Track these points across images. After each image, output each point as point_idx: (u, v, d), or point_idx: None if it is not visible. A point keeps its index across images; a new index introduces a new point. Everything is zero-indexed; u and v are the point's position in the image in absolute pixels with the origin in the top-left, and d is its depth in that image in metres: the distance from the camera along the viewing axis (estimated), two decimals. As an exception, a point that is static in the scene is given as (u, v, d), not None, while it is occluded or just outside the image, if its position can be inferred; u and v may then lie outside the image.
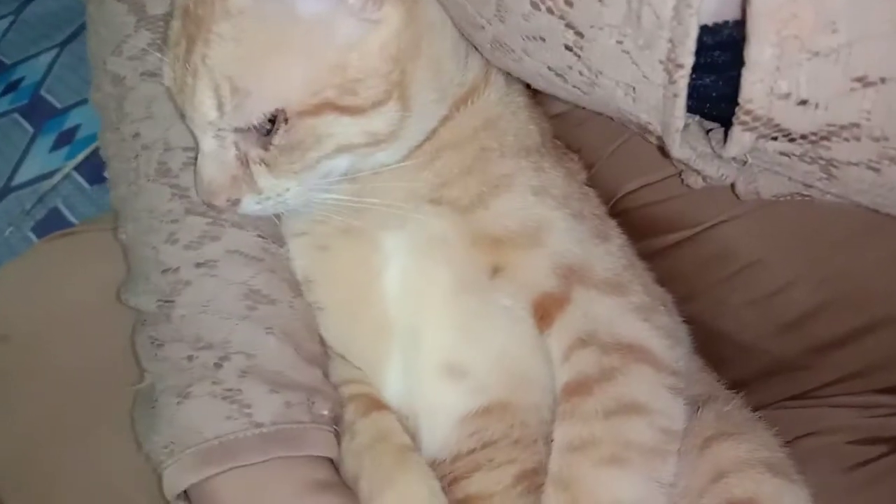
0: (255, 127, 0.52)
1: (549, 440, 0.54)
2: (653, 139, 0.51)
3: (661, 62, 0.42)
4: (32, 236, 1.65)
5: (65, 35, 2.01)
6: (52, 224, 1.66)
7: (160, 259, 0.57)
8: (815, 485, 0.54)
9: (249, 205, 0.54)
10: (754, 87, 0.39)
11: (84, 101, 1.93)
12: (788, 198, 0.53)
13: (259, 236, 0.58)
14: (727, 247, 0.65)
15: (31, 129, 1.89)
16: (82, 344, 0.66)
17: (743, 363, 0.69)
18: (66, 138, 1.82)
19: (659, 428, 0.52)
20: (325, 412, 0.55)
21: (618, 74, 0.45)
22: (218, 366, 0.53)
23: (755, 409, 0.66)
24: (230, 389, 0.52)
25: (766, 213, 0.60)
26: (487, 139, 0.57)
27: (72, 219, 1.66)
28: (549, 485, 0.51)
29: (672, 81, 0.42)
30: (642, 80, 0.44)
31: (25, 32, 2.10)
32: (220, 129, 0.53)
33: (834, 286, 0.62)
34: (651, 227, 0.66)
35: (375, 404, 0.57)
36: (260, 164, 0.53)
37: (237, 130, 0.52)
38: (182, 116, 0.56)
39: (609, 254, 0.57)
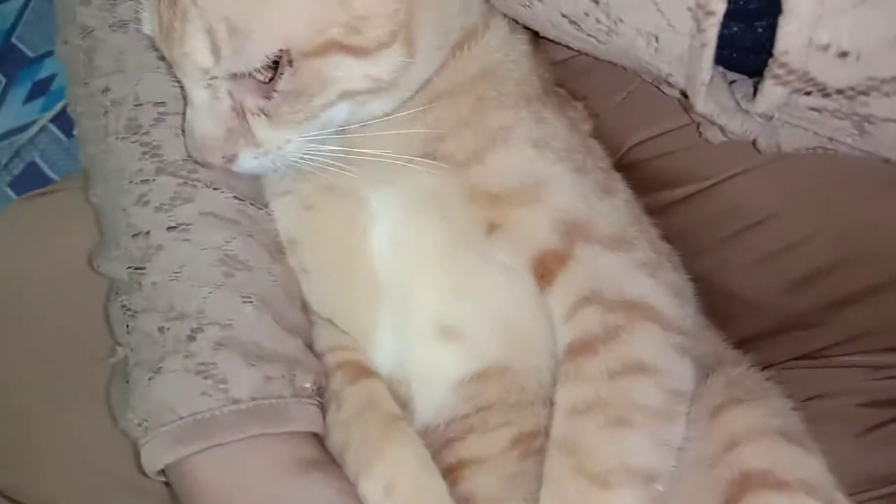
0: (254, 72, 0.48)
1: (547, 402, 0.52)
2: (671, 90, 0.48)
3: (689, 9, 0.39)
4: (10, 192, 1.61)
5: (35, -21, 1.94)
6: (30, 179, 1.62)
7: (131, 222, 0.53)
8: (824, 449, 0.52)
9: (247, 160, 0.51)
10: (791, 37, 0.36)
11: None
12: (810, 152, 0.51)
13: (235, 197, 0.54)
14: (739, 201, 0.63)
15: (2, 79, 1.83)
16: (61, 311, 0.63)
17: (750, 321, 0.67)
18: (40, 89, 1.76)
19: (667, 389, 0.50)
20: (308, 384, 0.52)
21: (640, 22, 0.42)
22: (191, 338, 0.50)
23: (763, 369, 0.66)
24: (204, 363, 0.49)
25: (783, 166, 0.58)
26: (485, 88, 0.54)
27: (50, 174, 1.62)
28: (553, 449, 0.49)
29: (700, 30, 0.39)
30: (667, 29, 0.41)
31: (-7, -23, 2.02)
32: (212, 78, 0.48)
33: (850, 242, 0.60)
34: (659, 181, 0.64)
35: (363, 371, 0.54)
36: (259, 115, 0.49)
37: (233, 77, 0.49)
38: (168, 66, 0.52)
39: (614, 209, 0.54)
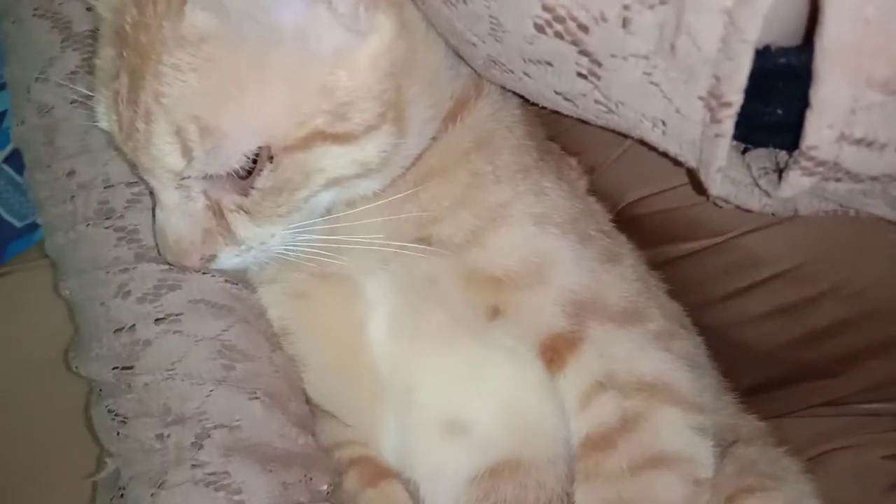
0: (230, 171, 0.44)
1: (565, 500, 0.50)
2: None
3: (700, 98, 0.36)
4: (-34, 240, 1.56)
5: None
6: (-15, 225, 1.57)
7: (111, 317, 0.50)
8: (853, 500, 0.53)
9: (228, 259, 0.48)
10: (821, 132, 0.33)
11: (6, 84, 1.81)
12: (830, 214, 0.47)
13: (226, 281, 0.51)
14: (752, 256, 0.61)
15: (-49, 119, 1.77)
16: (23, 409, 0.61)
17: (762, 371, 0.66)
18: (-8, 127, 1.71)
19: (690, 479, 0.48)
20: (324, 487, 0.50)
21: (644, 107, 0.39)
22: (196, 444, 0.47)
23: (778, 416, 0.63)
24: (214, 473, 0.46)
25: (799, 222, 0.55)
26: (479, 162, 0.51)
27: (7, 217, 1.57)
28: None
29: (715, 120, 0.36)
30: (675, 115, 0.38)
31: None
32: (184, 179, 0.45)
33: (869, 297, 0.58)
34: (663, 235, 0.61)
35: (381, 471, 0.52)
36: (238, 212, 0.46)
37: (207, 177, 0.45)
38: (131, 167, 0.49)
39: (622, 278, 0.52)
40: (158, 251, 0.49)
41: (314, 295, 0.52)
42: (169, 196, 0.46)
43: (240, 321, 0.50)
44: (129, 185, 0.52)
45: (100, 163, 0.52)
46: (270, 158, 0.44)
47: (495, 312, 0.50)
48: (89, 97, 0.52)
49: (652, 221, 0.61)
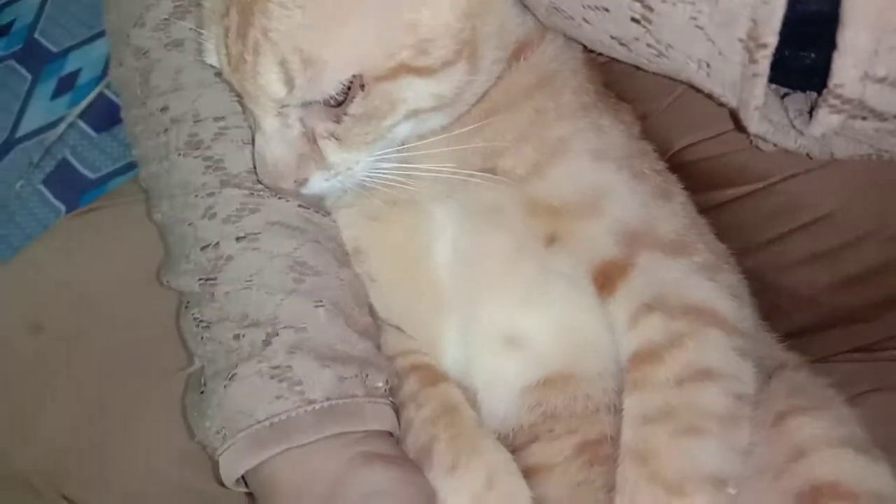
0: (327, 98, 0.50)
1: (612, 409, 0.55)
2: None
3: (740, 40, 0.40)
4: (44, 189, 1.65)
5: (53, -31, 1.96)
6: (63, 177, 1.66)
7: (199, 235, 0.56)
8: (883, 443, 0.54)
9: (318, 183, 0.54)
10: (846, 71, 0.37)
11: (81, 44, 1.90)
12: (865, 157, 0.51)
13: (300, 206, 0.57)
14: (794, 201, 0.65)
15: (28, 76, 1.87)
16: (118, 327, 0.66)
17: (801, 314, 0.69)
18: (67, 84, 1.80)
19: (732, 393, 0.51)
20: (380, 384, 0.55)
21: (690, 50, 0.43)
22: (266, 343, 0.53)
23: (814, 361, 0.67)
24: (278, 367, 0.52)
25: (838, 167, 0.59)
26: (543, 99, 0.56)
27: (83, 170, 1.66)
28: (626, 458, 0.51)
29: (753, 61, 0.40)
30: (718, 57, 0.42)
31: (8, -31, 2.04)
32: (284, 106, 0.51)
33: None
34: (710, 181, 0.66)
35: (440, 375, 0.57)
36: (329, 138, 0.52)
37: (304, 105, 0.51)
38: (237, 97, 0.55)
39: (673, 213, 0.56)
40: (257, 175, 0.55)
41: (386, 218, 0.58)
42: (269, 123, 0.52)
43: (311, 241, 0.56)
44: (217, 119, 0.58)
45: (189, 99, 0.58)
46: (362, 87, 0.50)
47: (552, 239, 0.55)
48: (180, 41, 0.59)
49: (699, 168, 0.65)
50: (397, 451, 0.54)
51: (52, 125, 1.71)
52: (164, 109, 0.59)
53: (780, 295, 0.68)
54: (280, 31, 0.48)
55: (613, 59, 0.63)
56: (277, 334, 0.53)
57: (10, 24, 1.92)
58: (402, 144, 0.55)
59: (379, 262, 0.59)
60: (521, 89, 0.56)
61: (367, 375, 0.54)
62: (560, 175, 0.54)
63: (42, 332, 0.68)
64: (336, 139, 0.52)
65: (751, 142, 0.54)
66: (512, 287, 0.56)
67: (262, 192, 0.56)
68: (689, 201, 0.59)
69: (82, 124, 1.69)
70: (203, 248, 0.56)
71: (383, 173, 0.54)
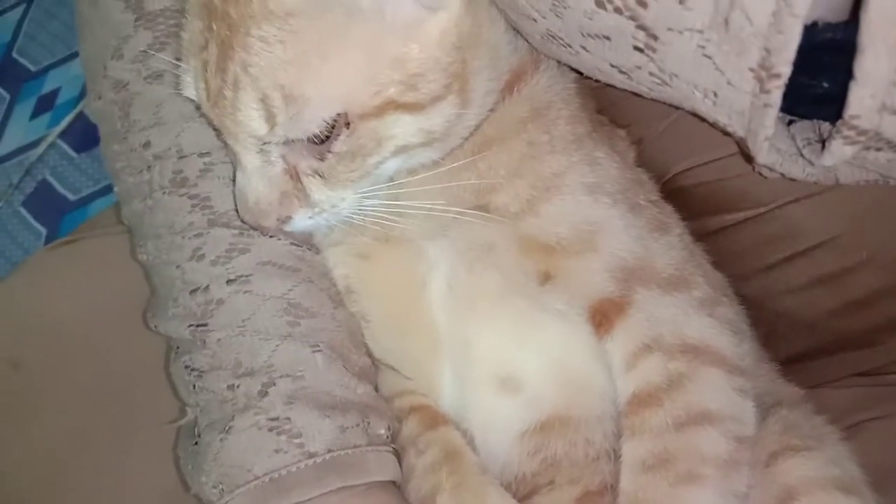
0: (310, 136, 0.48)
1: (612, 456, 0.53)
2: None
3: (751, 70, 0.38)
4: (24, 211, 1.62)
5: (31, -12, 1.92)
6: (43, 198, 1.63)
7: (187, 278, 0.54)
8: (885, 470, 0.53)
9: (302, 221, 0.51)
10: (863, 101, 0.35)
11: (60, 62, 1.86)
12: (870, 183, 0.50)
13: (292, 244, 0.55)
14: (794, 226, 0.63)
15: (6, 95, 1.82)
16: (98, 363, 0.64)
17: (800, 340, 0.68)
18: (46, 103, 1.76)
19: (732, 436, 0.50)
20: (382, 431, 0.53)
21: (697, 79, 0.41)
22: (263, 393, 0.50)
23: (814, 387, 0.65)
24: (276, 418, 0.50)
25: (840, 192, 0.57)
26: (536, 131, 0.54)
27: (62, 191, 1.62)
28: None
29: (765, 91, 0.38)
30: (726, 87, 0.40)
31: (-16, -12, 2.01)
32: (265, 143, 0.49)
33: None
34: (708, 206, 0.64)
35: (439, 418, 0.55)
36: (313, 176, 0.50)
37: (286, 142, 0.49)
38: (216, 132, 0.52)
39: (670, 246, 0.54)
40: (237, 213, 0.52)
41: (377, 256, 0.55)
42: (251, 160, 0.49)
43: (304, 281, 0.54)
44: (201, 154, 0.55)
45: (172, 134, 0.56)
46: (347, 125, 0.47)
47: (547, 277, 0.53)
48: (160, 74, 0.56)
49: (696, 193, 0.63)
50: (399, 501, 0.51)
51: (32, 145, 1.67)
52: (146, 145, 0.56)
53: (780, 321, 0.66)
54: (261, 66, 0.45)
55: (608, 84, 0.62)
56: (274, 384, 0.50)
57: (-13, 43, 1.89)
58: (391, 181, 0.52)
59: (371, 301, 0.56)
60: (514, 122, 0.54)
61: (368, 423, 0.52)
62: (554, 211, 0.52)
63: (19, 368, 0.65)
64: (320, 177, 0.49)
65: (753, 168, 0.53)
66: (506, 326, 0.54)
67: (251, 232, 0.53)
68: (685, 232, 0.57)
69: (62, 144, 1.65)
70: (192, 292, 0.53)
71: (371, 211, 0.52)
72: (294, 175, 0.50)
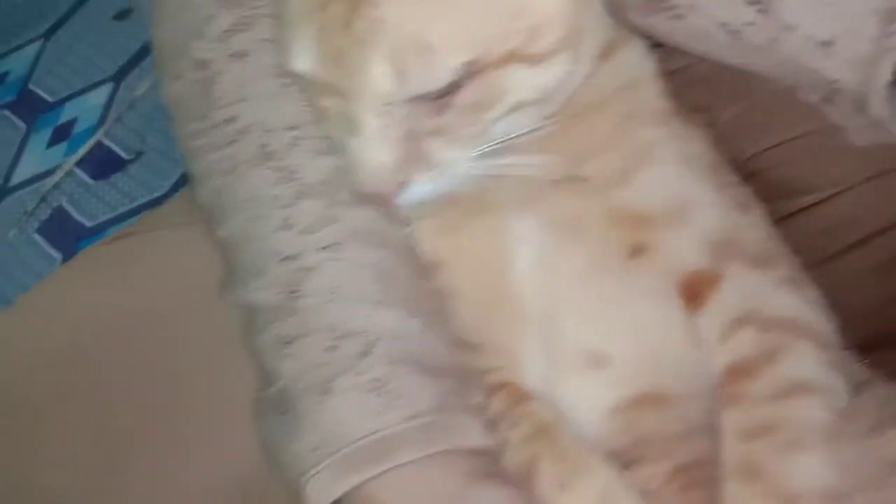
0: (435, 90, 0.47)
1: (706, 431, 0.51)
2: (809, 96, 0.48)
3: (876, 12, 0.38)
4: (38, 238, 1.60)
5: (49, 24, 1.95)
6: (58, 224, 1.62)
7: (275, 248, 0.52)
8: None
9: (419, 186, 0.50)
10: None
11: (77, 94, 1.87)
12: None
13: (380, 216, 0.54)
14: (855, 212, 0.63)
15: (23, 126, 1.83)
16: (142, 359, 0.63)
17: (859, 331, 0.67)
18: (62, 133, 1.76)
19: (831, 407, 0.49)
20: (478, 399, 0.52)
21: (814, 29, 0.41)
22: (362, 354, 0.49)
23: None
24: (377, 379, 0.48)
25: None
26: (628, 102, 0.54)
27: (78, 217, 1.62)
28: (733, 477, 0.48)
29: (889, 34, 0.38)
30: (845, 35, 0.40)
31: (4, 24, 2.03)
32: (389, 103, 0.48)
33: None
34: (779, 191, 0.63)
35: (527, 394, 0.53)
36: (433, 135, 0.49)
37: (411, 99, 0.48)
38: (310, 104, 0.52)
39: (754, 224, 0.54)
40: (355, 183, 0.51)
41: (466, 231, 0.55)
42: (371, 123, 0.48)
43: (394, 252, 0.53)
44: (289, 129, 0.54)
45: (258, 109, 0.55)
46: (472, 76, 0.47)
47: (638, 250, 0.52)
48: (245, 53, 0.56)
49: (768, 176, 0.63)
50: (497, 468, 0.50)
51: (48, 173, 1.67)
52: (230, 121, 0.55)
53: (838, 312, 0.66)
54: (394, 18, 0.45)
55: (684, 67, 0.63)
56: (374, 346, 0.49)
57: (5, 74, 1.90)
58: (498, 144, 0.52)
59: (458, 276, 0.55)
60: (607, 91, 0.54)
61: (465, 389, 0.50)
62: (647, 181, 0.52)
63: (73, 360, 0.64)
64: (439, 136, 0.49)
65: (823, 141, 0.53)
66: (594, 302, 0.53)
67: (340, 203, 0.53)
68: (764, 213, 0.56)
69: (79, 172, 1.65)
70: (282, 261, 0.52)
71: (479, 173, 0.51)
72: (413, 137, 0.49)
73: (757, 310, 0.51)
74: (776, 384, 0.49)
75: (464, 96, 0.47)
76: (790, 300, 0.52)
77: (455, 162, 0.50)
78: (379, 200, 0.51)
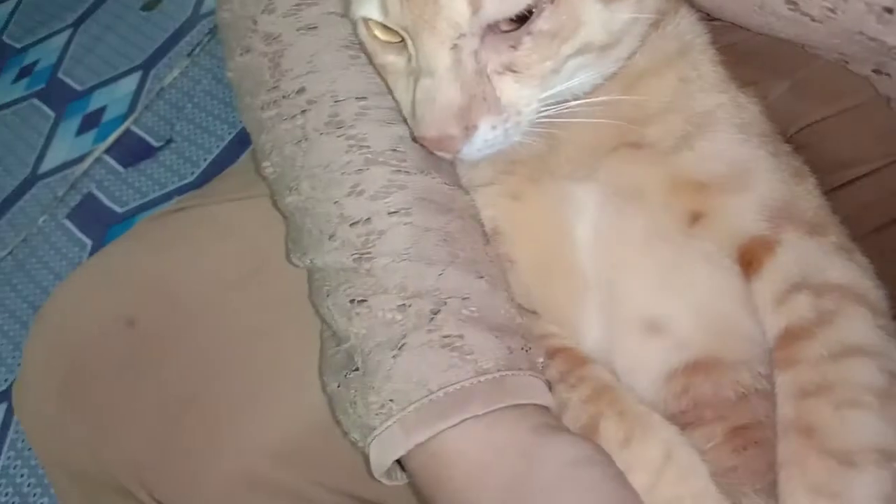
0: (514, 15, 0.47)
1: (761, 395, 0.52)
2: (860, 68, 0.49)
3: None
4: (69, 224, 1.61)
5: (76, 15, 1.96)
6: (88, 211, 1.63)
7: (345, 213, 0.53)
8: None
9: (486, 132, 0.50)
10: None
11: (106, 82, 1.89)
12: None
13: (445, 183, 0.55)
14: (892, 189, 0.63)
15: (52, 114, 1.84)
16: (210, 325, 0.63)
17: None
18: (91, 121, 1.78)
19: (887, 370, 0.50)
20: (541, 359, 0.53)
21: (879, -4, 0.42)
22: (434, 312, 0.50)
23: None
24: (449, 336, 0.49)
25: None
26: (685, 67, 0.55)
27: (109, 204, 1.63)
28: (790, 433, 0.49)
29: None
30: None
31: (33, 14, 2.05)
32: (460, 36, 0.48)
33: None
34: (824, 164, 0.63)
35: (585, 358, 0.54)
36: (504, 73, 0.49)
37: (483, 32, 0.48)
38: (392, 52, 0.53)
39: (808, 192, 0.55)
40: (414, 128, 0.51)
41: (527, 198, 0.56)
42: (441, 59, 0.48)
43: (458, 217, 0.54)
44: (358, 98, 0.55)
45: (327, 81, 0.56)
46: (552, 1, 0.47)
47: (697, 217, 0.53)
48: (314, 26, 0.57)
49: (814, 150, 0.62)
50: (563, 424, 0.50)
51: (77, 161, 1.68)
52: (301, 91, 0.56)
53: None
54: None
55: (733, 43, 0.63)
56: (445, 303, 0.50)
57: (34, 64, 1.91)
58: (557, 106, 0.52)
59: (518, 243, 0.56)
60: (664, 55, 0.55)
61: (529, 349, 0.51)
62: (708, 147, 0.53)
63: (134, 326, 0.64)
64: (512, 72, 0.49)
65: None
66: (652, 269, 0.54)
67: (408, 170, 0.54)
68: (817, 183, 0.57)
69: (109, 160, 1.66)
70: (352, 225, 0.53)
71: (547, 122, 0.51)
72: (483, 75, 0.49)
73: (812, 275, 0.51)
74: (831, 347, 0.49)
75: (541, 23, 0.48)
76: (844, 267, 0.52)
77: (522, 105, 0.50)
78: (443, 147, 0.51)
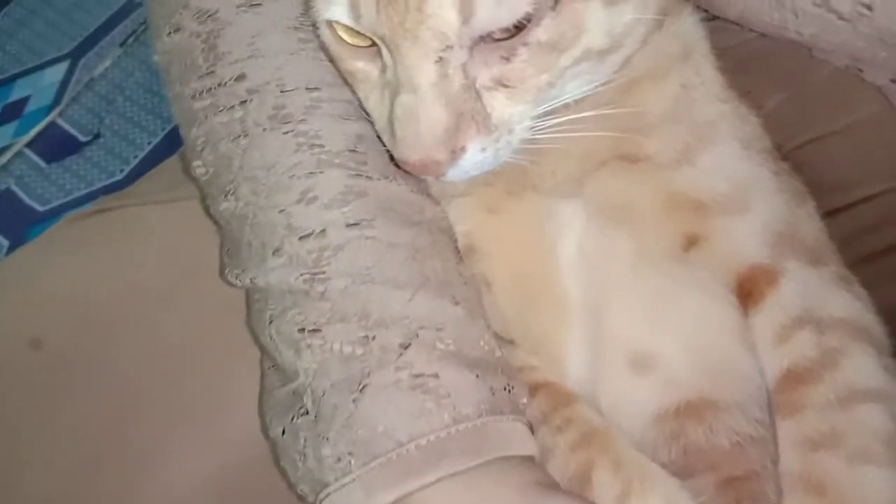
0: (511, 24, 0.40)
1: (757, 442, 0.47)
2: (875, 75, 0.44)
3: None
4: (-17, 222, 1.49)
5: (-2, -3, 1.83)
6: (5, 208, 1.51)
7: (294, 223, 0.46)
8: None
9: (474, 154, 0.43)
10: None
11: (30, 71, 1.76)
12: None
13: (412, 191, 0.48)
14: (889, 214, 0.59)
15: (-31, 104, 1.71)
16: (126, 344, 0.56)
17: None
18: (13, 112, 1.65)
19: (894, 415, 0.45)
20: (524, 400, 0.46)
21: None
22: (403, 345, 0.42)
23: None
24: (421, 375, 0.42)
25: None
26: (688, 72, 0.49)
27: (28, 201, 1.51)
28: (798, 490, 0.44)
29: None
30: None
31: (-49, -4, 1.90)
32: (447, 48, 0.41)
33: None
34: (822, 185, 0.59)
35: (570, 395, 0.48)
36: (496, 88, 0.42)
37: (472, 44, 0.41)
38: (360, 58, 0.45)
39: (810, 217, 0.50)
40: (396, 152, 0.44)
41: (505, 212, 0.49)
42: (426, 73, 0.41)
43: (427, 231, 0.47)
44: (309, 89, 0.48)
45: (273, 67, 0.48)
46: (553, 6, 0.40)
47: (693, 241, 0.48)
48: (257, 3, 0.49)
49: (811, 170, 0.59)
50: (550, 478, 0.44)
51: (-3, 154, 1.57)
52: (240, 78, 0.48)
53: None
54: None
55: (731, 47, 0.58)
56: (416, 335, 0.43)
57: (-49, 49, 1.77)
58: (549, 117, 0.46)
59: (495, 263, 0.49)
60: (666, 58, 0.49)
61: (512, 388, 0.44)
62: (711, 162, 0.47)
63: (40, 347, 0.56)
64: (504, 87, 0.42)
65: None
66: (641, 298, 0.48)
67: (368, 174, 0.46)
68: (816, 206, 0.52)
69: (31, 154, 1.55)
70: (302, 238, 0.45)
71: (540, 136, 0.45)
72: (472, 90, 0.42)
73: (814, 309, 0.47)
74: (839, 391, 0.45)
75: (539, 33, 0.41)
76: (845, 300, 0.48)
77: (514, 123, 0.44)
78: (427, 171, 0.43)
